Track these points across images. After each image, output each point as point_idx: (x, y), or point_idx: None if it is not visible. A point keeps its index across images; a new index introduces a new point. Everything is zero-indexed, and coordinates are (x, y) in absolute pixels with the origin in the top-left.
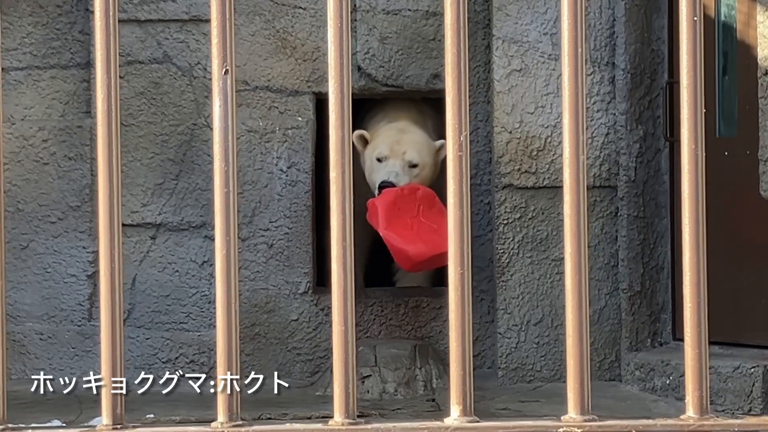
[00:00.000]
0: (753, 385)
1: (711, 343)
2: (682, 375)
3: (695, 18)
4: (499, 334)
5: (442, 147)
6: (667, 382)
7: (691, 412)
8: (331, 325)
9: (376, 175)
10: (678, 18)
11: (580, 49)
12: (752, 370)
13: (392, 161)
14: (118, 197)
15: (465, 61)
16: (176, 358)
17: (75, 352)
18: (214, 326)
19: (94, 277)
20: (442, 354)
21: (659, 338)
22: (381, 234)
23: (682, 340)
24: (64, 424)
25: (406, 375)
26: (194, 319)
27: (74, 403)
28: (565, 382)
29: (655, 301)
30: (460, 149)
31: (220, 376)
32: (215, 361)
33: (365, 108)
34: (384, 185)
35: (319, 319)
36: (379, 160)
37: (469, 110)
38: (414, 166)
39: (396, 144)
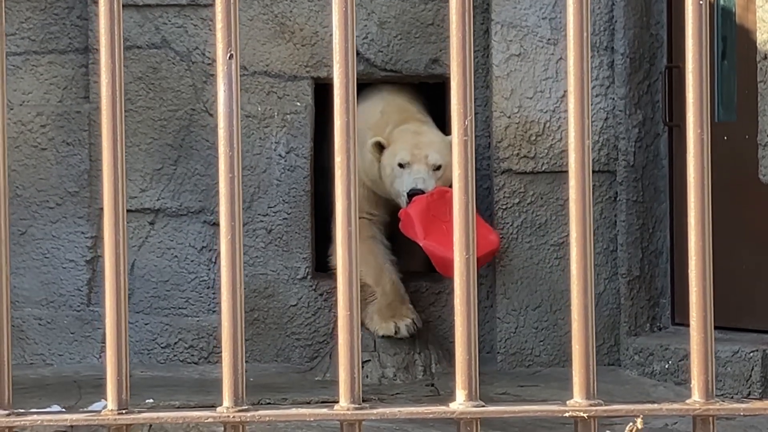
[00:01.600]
0: (752, 369)
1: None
2: (681, 359)
3: (701, 2)
4: (498, 318)
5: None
6: (666, 366)
7: (696, 396)
8: (329, 310)
9: (399, 182)
10: (677, 2)
11: (585, 33)
12: (751, 354)
13: (416, 167)
14: (123, 183)
15: (470, 45)
16: (175, 343)
17: (74, 338)
18: (213, 311)
19: (92, 262)
20: (441, 339)
21: (658, 323)
22: (421, 245)
23: (681, 324)
24: (63, 409)
25: (405, 360)
26: (193, 305)
27: (73, 389)
28: (563, 366)
29: (654, 285)
30: (465, 134)
31: (225, 361)
32: (214, 346)
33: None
34: (413, 193)
35: (317, 304)
36: (401, 165)
37: None
38: (438, 168)
39: (416, 148)
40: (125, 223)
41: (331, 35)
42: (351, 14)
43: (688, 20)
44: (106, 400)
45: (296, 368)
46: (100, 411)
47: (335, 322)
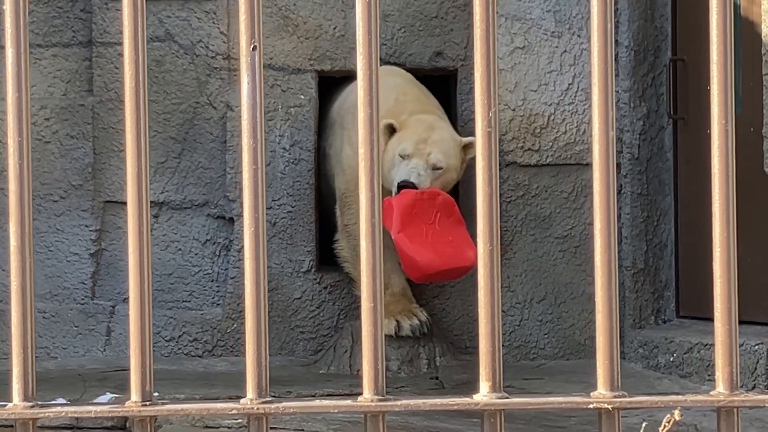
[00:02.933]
0: (757, 362)
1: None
2: (686, 352)
3: None
4: (503, 311)
5: (470, 146)
6: (671, 359)
7: (721, 387)
8: (334, 303)
9: (395, 172)
10: None
11: (609, 24)
12: (756, 347)
13: (415, 161)
14: (146, 175)
15: (494, 36)
16: (179, 336)
17: (78, 331)
18: (218, 304)
19: (96, 255)
20: (445, 332)
21: (663, 316)
22: (392, 237)
23: (685, 317)
24: (68, 402)
25: (410, 353)
26: (197, 298)
27: (78, 382)
28: (568, 359)
29: (659, 278)
30: (489, 125)
31: (249, 353)
32: (218, 340)
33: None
34: (404, 185)
35: (321, 297)
36: (402, 156)
37: (472, 88)
38: (438, 168)
39: (422, 143)
40: (149, 214)
41: (335, 28)
42: (375, 4)
43: (712, 11)
44: (111, 392)
45: (300, 361)
46: (124, 403)
47: (339, 315)
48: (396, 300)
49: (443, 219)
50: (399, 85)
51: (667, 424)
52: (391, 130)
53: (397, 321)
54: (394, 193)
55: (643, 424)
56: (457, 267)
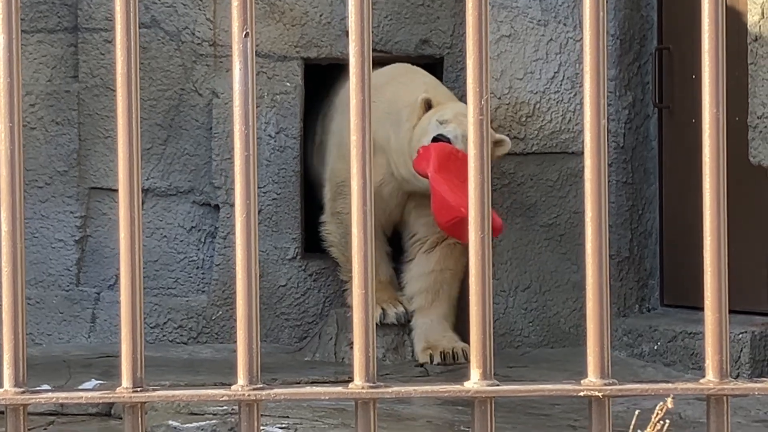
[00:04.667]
0: (741, 351)
1: (698, 309)
2: (670, 341)
3: None
4: None
5: (500, 143)
6: (655, 347)
7: (711, 375)
8: (319, 290)
9: (430, 135)
10: None
11: (601, 13)
12: (740, 336)
13: (453, 125)
14: (137, 160)
15: (486, 24)
16: (164, 323)
17: (63, 317)
18: (203, 291)
19: (82, 242)
20: None
21: (647, 304)
22: (429, 176)
23: (669, 306)
24: (54, 389)
25: (395, 341)
26: (182, 285)
27: (63, 368)
28: (552, 347)
29: (643, 267)
30: (481, 113)
31: (240, 340)
32: (203, 327)
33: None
34: (440, 138)
35: (307, 284)
36: (440, 122)
37: (458, 76)
38: None
39: (461, 116)
40: (140, 201)
41: (321, 15)
42: None
43: (703, 0)
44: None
45: (285, 348)
46: (115, 389)
47: (324, 302)
48: (383, 288)
49: None
50: (427, 82)
51: (659, 412)
52: (428, 105)
53: (382, 308)
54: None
55: (636, 412)
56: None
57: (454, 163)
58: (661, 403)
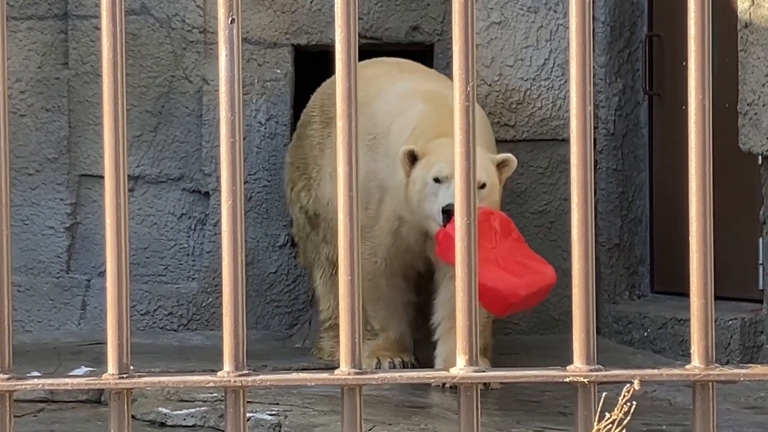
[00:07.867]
0: (731, 337)
1: (688, 296)
2: (660, 328)
3: None
4: None
5: (505, 163)
6: (645, 334)
7: (696, 362)
8: (309, 278)
9: (434, 200)
10: None
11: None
12: (730, 322)
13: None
14: (123, 147)
15: (472, 10)
16: (154, 310)
17: (53, 304)
18: (193, 278)
19: (72, 229)
20: (422, 306)
21: (637, 291)
22: None
23: (660, 293)
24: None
25: None
26: (173, 272)
27: (53, 355)
28: (543, 335)
29: (633, 254)
30: (467, 99)
31: (226, 326)
32: (193, 314)
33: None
34: (449, 209)
35: (297, 271)
36: (437, 180)
37: (449, 63)
38: (482, 186)
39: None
40: (126, 187)
41: (311, 2)
42: None
43: None
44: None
45: (276, 335)
46: (101, 375)
47: (313, 291)
48: (388, 346)
49: (503, 240)
50: (422, 109)
51: (626, 394)
52: (413, 157)
53: (378, 360)
54: (440, 222)
55: (603, 394)
56: (541, 288)
57: (480, 233)
58: (628, 385)
